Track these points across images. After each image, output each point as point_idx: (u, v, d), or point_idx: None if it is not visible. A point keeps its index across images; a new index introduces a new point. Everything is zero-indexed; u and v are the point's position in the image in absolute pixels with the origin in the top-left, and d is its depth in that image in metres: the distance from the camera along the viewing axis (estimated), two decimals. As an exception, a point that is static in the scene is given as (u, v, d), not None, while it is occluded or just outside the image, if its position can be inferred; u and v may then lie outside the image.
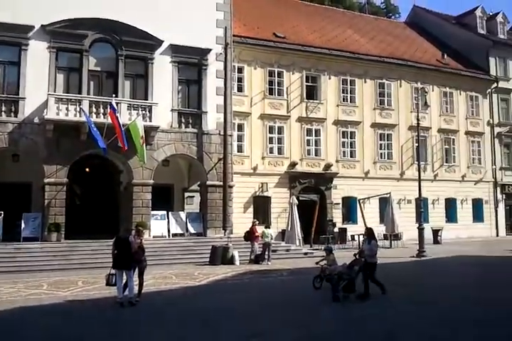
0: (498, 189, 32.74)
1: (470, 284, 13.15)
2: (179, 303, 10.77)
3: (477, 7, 36.71)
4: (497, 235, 31.78)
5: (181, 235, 20.94)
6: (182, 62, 21.58)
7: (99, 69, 20.53)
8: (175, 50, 21.25)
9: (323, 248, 14.45)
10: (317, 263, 12.20)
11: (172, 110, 21.19)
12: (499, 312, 9.53)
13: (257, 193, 25.02)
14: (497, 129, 33.29)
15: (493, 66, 33.81)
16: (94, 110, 19.10)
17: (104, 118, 18.87)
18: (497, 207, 32.42)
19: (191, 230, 21.20)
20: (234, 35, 23.43)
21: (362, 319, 9.09)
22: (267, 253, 18.50)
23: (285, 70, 26.57)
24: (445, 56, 33.11)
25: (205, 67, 21.96)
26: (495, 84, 33.43)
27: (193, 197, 23.44)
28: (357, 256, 11.13)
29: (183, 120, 21.36)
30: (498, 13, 37.11)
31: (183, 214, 21.67)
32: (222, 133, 21.47)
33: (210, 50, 21.91)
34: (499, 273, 15.52)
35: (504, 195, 32.93)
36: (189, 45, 21.26)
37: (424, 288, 12.44)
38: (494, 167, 32.71)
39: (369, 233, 11.61)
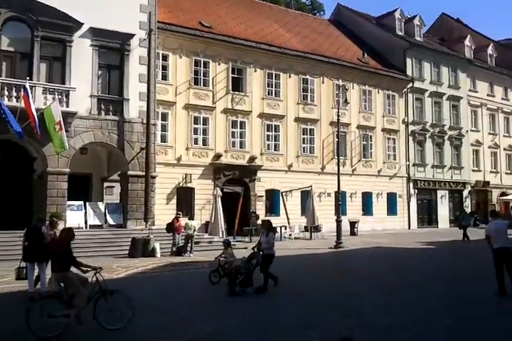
0: (411, 184, 34.62)
1: (384, 273, 13.68)
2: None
3: (396, 9, 38.40)
4: (409, 228, 33.64)
5: (100, 227, 20.09)
6: (103, 46, 20.64)
7: (12, 49, 19.15)
8: (95, 33, 20.27)
9: (222, 241, 14.29)
10: (216, 258, 11.97)
11: (91, 96, 20.22)
12: (411, 298, 10.05)
13: (181, 184, 24.64)
14: (411, 127, 35.12)
15: (409, 66, 35.58)
16: (6, 93, 17.84)
17: (17, 101, 17.66)
18: (409, 201, 34.28)
19: (110, 221, 20.42)
20: (158, 22, 22.83)
21: (265, 313, 8.79)
22: (189, 245, 18.27)
23: (211, 60, 26.30)
24: (365, 55, 34.31)
25: (128, 52, 21.17)
26: (410, 84, 35.19)
27: (113, 187, 22.59)
28: (255, 249, 10.91)
29: (103, 107, 20.48)
30: (416, 16, 39.03)
31: (101, 205, 20.83)
32: (144, 121, 20.85)
33: (133, 35, 21.15)
34: (411, 263, 16.33)
35: (416, 190, 34.87)
36: (111, 29, 20.37)
37: (339, 278, 12.76)
38: (408, 163, 34.52)
39: (267, 225, 11.39)
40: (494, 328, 7.66)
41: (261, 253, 10.77)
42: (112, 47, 20.93)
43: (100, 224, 20.19)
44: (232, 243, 20.40)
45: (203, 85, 26.04)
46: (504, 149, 42.14)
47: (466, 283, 11.93)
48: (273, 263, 10.90)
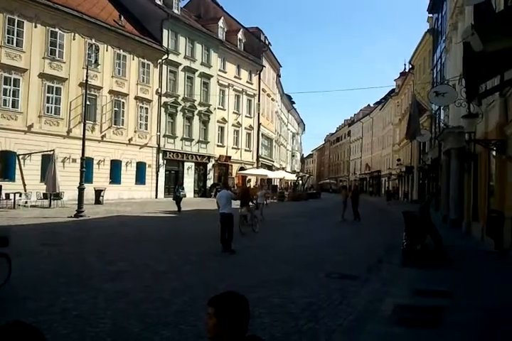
0: (161, 154, 35.03)
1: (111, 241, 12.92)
2: None
3: (157, -23, 37.71)
4: (156, 197, 34.07)
5: None
6: None
7: None
8: None
9: None
10: None
11: None
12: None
13: None
14: (164, 99, 35.37)
15: (165, 38, 35.56)
16: None
17: None
18: (158, 171, 34.67)
19: None
20: None
21: None
22: None
23: None
24: (122, 18, 32.90)
25: None
26: (166, 56, 35.27)
27: None
28: None
29: None
30: (174, -12, 39.07)
31: None
32: None
33: None
34: (143, 230, 16.01)
35: (165, 161, 35.46)
36: None
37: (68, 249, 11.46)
38: (158, 134, 34.75)
39: None
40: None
41: None
42: None
43: None
44: None
45: None
46: (245, 128, 46.31)
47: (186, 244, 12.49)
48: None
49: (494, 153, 13.02)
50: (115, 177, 31.12)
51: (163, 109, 35.33)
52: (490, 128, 13.71)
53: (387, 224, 19.99)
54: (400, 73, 56.51)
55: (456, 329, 5.71)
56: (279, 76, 60.33)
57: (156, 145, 34.63)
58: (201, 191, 39.20)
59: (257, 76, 48.73)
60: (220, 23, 43.18)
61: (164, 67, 35.45)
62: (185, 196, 25.92)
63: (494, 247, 11.53)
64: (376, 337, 5.49)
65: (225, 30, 44.16)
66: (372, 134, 73.28)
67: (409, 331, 5.67)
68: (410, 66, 46.36)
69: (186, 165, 37.77)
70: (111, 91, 30.74)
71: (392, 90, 59.71)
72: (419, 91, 31.71)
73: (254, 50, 48.51)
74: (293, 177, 53.49)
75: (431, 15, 35.30)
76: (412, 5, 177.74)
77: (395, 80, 58.58)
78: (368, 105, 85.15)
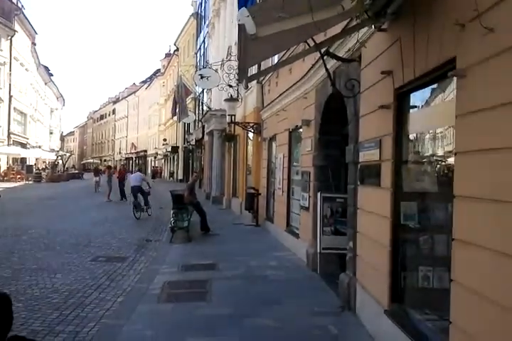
0: None
1: None
2: None
3: None
4: None
5: None
6: None
7: None
8: None
9: None
10: None
11: None
12: None
13: None
14: None
15: None
16: None
17: None
18: None
19: None
20: None
21: None
22: None
23: None
24: None
25: None
26: None
27: None
28: None
29: None
30: None
31: None
32: None
33: None
34: None
35: None
36: None
37: None
38: None
39: None
40: None
41: None
42: None
43: None
44: None
45: None
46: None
47: None
48: None
49: (252, 135, 14.21)
50: None
51: None
52: (248, 112, 14.89)
53: (153, 202, 20.10)
54: (166, 54, 57.00)
55: (222, 299, 6.04)
56: (34, 44, 54.51)
57: None
58: None
59: (9, 42, 43.05)
60: (-41, -26, 36.59)
61: None
62: None
63: (251, 220, 12.69)
64: (145, 316, 5.41)
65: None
66: (138, 113, 72.60)
67: (179, 306, 5.78)
68: (175, 48, 47.11)
69: None
70: None
71: (158, 70, 59.96)
72: (184, 74, 32.59)
73: (4, 13, 42.60)
74: (52, 156, 49.53)
75: (195, -1, 36.29)
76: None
77: (160, 60, 58.85)
78: (134, 84, 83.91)
